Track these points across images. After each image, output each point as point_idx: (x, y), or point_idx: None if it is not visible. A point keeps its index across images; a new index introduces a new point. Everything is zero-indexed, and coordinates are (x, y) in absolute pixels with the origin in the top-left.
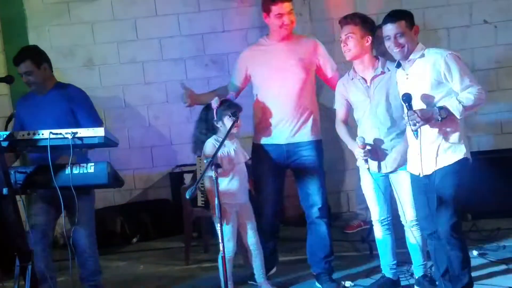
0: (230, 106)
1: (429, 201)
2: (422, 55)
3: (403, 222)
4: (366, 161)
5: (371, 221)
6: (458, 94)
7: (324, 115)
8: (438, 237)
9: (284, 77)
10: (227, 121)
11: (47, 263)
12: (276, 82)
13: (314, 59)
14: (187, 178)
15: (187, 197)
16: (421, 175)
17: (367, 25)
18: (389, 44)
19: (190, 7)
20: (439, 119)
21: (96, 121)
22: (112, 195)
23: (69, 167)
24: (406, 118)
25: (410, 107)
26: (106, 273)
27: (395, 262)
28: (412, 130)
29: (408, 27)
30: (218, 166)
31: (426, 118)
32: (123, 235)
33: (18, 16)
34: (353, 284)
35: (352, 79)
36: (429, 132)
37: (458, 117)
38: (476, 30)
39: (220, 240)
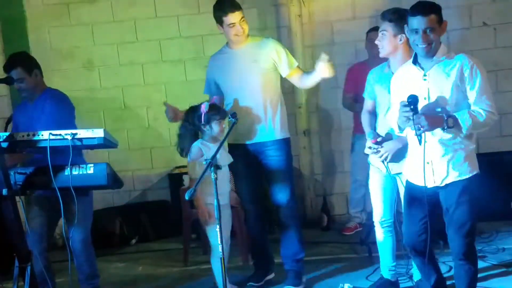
0: (219, 111)
1: (429, 215)
2: (448, 57)
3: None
4: (380, 156)
5: (368, 223)
6: (470, 107)
7: (321, 117)
8: (420, 254)
9: (245, 81)
10: (215, 125)
11: (46, 265)
12: (237, 86)
13: (271, 59)
14: (186, 179)
15: (187, 198)
16: (428, 186)
17: (401, 23)
18: (414, 38)
19: (190, 8)
20: (445, 127)
21: (50, 127)
22: (111, 196)
23: (68, 168)
24: (411, 121)
25: (415, 110)
26: (104, 275)
27: (394, 264)
28: (416, 135)
29: (438, 23)
30: (217, 167)
31: (433, 123)
32: (122, 236)
33: (18, 17)
34: (351, 286)
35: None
36: (437, 141)
37: (463, 132)
38: (476, 33)
39: (219, 242)
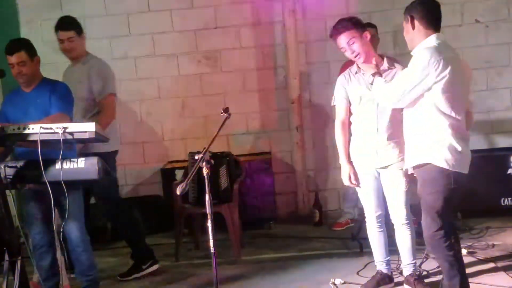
0: None
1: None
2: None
3: (393, 221)
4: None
5: (359, 219)
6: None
7: (314, 112)
8: None
9: None
10: None
11: (53, 259)
12: None
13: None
14: (179, 174)
15: (178, 193)
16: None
17: (358, 24)
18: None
19: (183, 3)
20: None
21: (64, 110)
22: None
23: (59, 162)
24: None
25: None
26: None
27: (388, 258)
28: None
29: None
30: (208, 162)
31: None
32: (114, 231)
33: (10, 10)
34: (343, 281)
35: (356, 73)
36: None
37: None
38: (468, 30)
39: (210, 237)
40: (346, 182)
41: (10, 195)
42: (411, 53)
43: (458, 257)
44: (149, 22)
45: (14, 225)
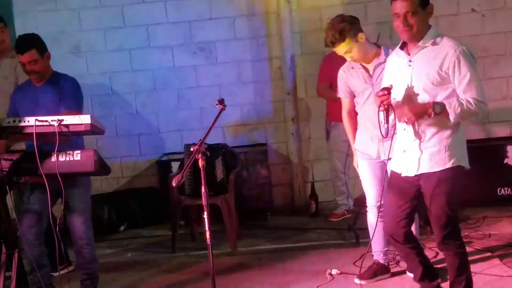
0: None
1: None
2: (434, 43)
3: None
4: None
5: (355, 210)
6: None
7: (310, 103)
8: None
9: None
10: None
11: (41, 251)
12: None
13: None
14: (175, 166)
15: (174, 185)
16: (402, 175)
17: (354, 25)
18: (398, 24)
19: None
20: (432, 114)
21: (73, 107)
22: (99, 183)
23: (55, 155)
24: (381, 109)
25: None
26: None
27: (386, 248)
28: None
29: (421, 6)
30: (204, 154)
31: (419, 112)
32: (110, 223)
33: (4, 2)
34: (339, 272)
35: (352, 67)
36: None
37: (451, 120)
38: (464, 19)
39: (207, 228)
40: (357, 168)
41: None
42: (425, 43)
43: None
44: (144, 13)
45: (11, 217)
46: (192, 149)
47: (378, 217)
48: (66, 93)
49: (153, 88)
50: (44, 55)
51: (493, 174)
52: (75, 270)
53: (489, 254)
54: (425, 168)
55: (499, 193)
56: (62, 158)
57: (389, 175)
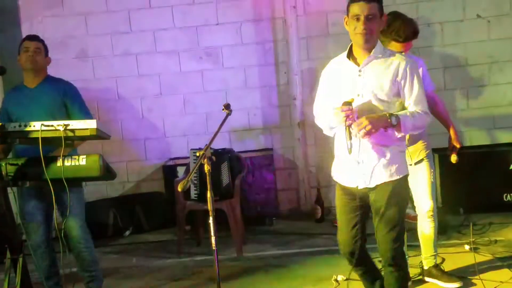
0: None
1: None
2: (385, 55)
3: (418, 212)
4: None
5: None
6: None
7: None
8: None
9: None
10: None
11: (53, 258)
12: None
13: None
14: (181, 171)
15: (180, 190)
16: (359, 188)
17: None
18: (355, 26)
19: None
20: (390, 126)
21: (87, 116)
22: (105, 187)
23: (60, 160)
24: (347, 124)
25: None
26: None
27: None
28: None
29: (379, 13)
30: (210, 159)
31: (377, 124)
32: (115, 227)
33: (11, 7)
34: (345, 278)
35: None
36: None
37: (404, 132)
38: (470, 25)
39: (212, 233)
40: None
41: (11, 192)
42: (376, 53)
43: None
44: (150, 18)
45: (16, 222)
46: (198, 154)
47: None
48: (74, 98)
49: (159, 93)
50: (47, 55)
51: (498, 180)
52: (78, 273)
53: (495, 260)
54: (379, 180)
55: (505, 199)
56: (67, 163)
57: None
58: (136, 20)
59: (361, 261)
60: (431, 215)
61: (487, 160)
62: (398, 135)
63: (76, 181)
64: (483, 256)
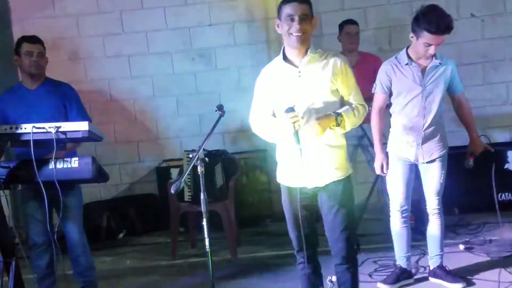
0: None
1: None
2: (320, 54)
3: (428, 211)
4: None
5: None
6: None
7: None
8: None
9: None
10: None
11: (51, 259)
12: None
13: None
14: (174, 172)
15: (173, 191)
16: (308, 188)
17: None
18: (290, 27)
19: (177, 0)
20: (336, 125)
21: (85, 119)
22: (98, 190)
23: (52, 162)
24: (295, 124)
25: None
26: None
27: (409, 253)
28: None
29: (311, 14)
30: (203, 160)
31: (325, 126)
32: (109, 230)
33: (2, 8)
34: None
35: (407, 64)
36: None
37: (348, 129)
38: (463, 24)
39: (206, 235)
40: (378, 171)
41: (3, 195)
42: (313, 53)
43: None
44: (143, 19)
45: (8, 225)
46: (191, 156)
47: (401, 222)
48: (73, 102)
49: (152, 95)
50: (45, 56)
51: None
52: (73, 278)
53: (490, 260)
54: (329, 178)
55: (499, 199)
56: (59, 165)
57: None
58: (128, 21)
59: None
60: (436, 213)
61: (481, 160)
62: (341, 132)
63: (68, 184)
64: (478, 256)
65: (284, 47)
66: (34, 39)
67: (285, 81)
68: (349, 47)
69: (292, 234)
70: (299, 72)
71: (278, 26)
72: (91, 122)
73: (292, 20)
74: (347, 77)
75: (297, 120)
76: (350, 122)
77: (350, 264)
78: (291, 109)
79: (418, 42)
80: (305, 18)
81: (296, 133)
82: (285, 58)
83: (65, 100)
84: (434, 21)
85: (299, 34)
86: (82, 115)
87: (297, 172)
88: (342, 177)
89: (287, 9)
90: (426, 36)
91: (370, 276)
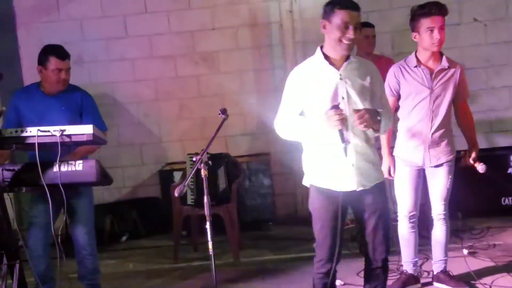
0: None
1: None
2: (359, 59)
3: (434, 216)
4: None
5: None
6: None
7: None
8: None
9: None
10: None
11: (48, 264)
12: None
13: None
14: (177, 176)
15: (176, 195)
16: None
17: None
18: (343, 33)
19: (180, 4)
20: (379, 123)
21: (101, 128)
22: (101, 193)
23: (57, 165)
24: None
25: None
26: None
27: (416, 259)
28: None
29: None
30: (206, 163)
31: (372, 119)
32: (112, 233)
33: (7, 13)
34: (343, 283)
35: (415, 66)
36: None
37: (380, 132)
38: (466, 29)
39: (209, 239)
40: (386, 174)
41: (8, 198)
42: (354, 57)
43: None
44: (146, 23)
45: (12, 228)
46: (194, 159)
47: (409, 227)
48: (89, 108)
49: (156, 98)
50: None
51: (496, 184)
52: (78, 280)
53: (494, 265)
54: (374, 180)
55: (503, 203)
56: (64, 168)
57: (315, 194)
58: (132, 25)
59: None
60: (442, 219)
61: (485, 164)
62: (375, 135)
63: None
64: (482, 261)
65: (321, 47)
66: (64, 55)
67: (326, 81)
68: (367, 49)
69: (323, 244)
70: (340, 75)
71: (324, 28)
72: (106, 131)
73: (347, 28)
74: (379, 81)
75: (343, 117)
76: (385, 123)
77: (386, 267)
78: (336, 107)
79: (421, 34)
80: (358, 27)
81: (341, 131)
82: (326, 58)
83: (82, 107)
84: (426, 5)
85: (350, 42)
86: (98, 124)
87: (341, 174)
88: (382, 179)
89: (343, 16)
90: (423, 22)
91: None
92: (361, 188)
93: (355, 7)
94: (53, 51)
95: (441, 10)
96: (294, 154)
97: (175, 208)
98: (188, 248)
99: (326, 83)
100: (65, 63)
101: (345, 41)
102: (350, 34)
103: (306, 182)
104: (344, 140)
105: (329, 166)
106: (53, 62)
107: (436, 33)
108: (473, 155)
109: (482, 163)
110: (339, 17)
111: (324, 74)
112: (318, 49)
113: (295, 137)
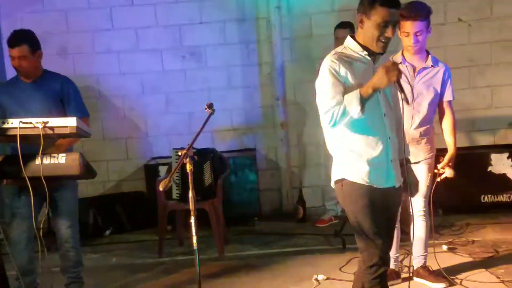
0: None
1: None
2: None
3: (414, 212)
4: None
5: (343, 216)
6: None
7: (298, 109)
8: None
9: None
10: None
11: (30, 256)
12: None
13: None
14: (162, 170)
15: (161, 189)
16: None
17: (428, 19)
18: (382, 32)
19: None
20: None
21: (83, 115)
22: (85, 186)
23: (39, 157)
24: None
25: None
26: None
27: (398, 254)
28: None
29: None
30: (192, 158)
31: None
32: (95, 227)
33: None
34: (325, 277)
35: (400, 63)
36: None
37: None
38: (450, 28)
39: (193, 233)
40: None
41: None
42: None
43: None
44: (133, 16)
45: None
46: (180, 154)
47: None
48: (71, 94)
49: (142, 92)
50: (35, 53)
51: (477, 181)
52: (60, 274)
53: (472, 260)
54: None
55: (482, 201)
56: (46, 161)
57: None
58: (118, 17)
59: None
60: (422, 215)
61: (465, 162)
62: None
63: (55, 180)
64: (461, 256)
65: (355, 39)
66: (13, 42)
67: (364, 70)
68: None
69: (374, 242)
70: (376, 67)
71: (361, 22)
72: (89, 117)
73: (386, 27)
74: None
75: (400, 70)
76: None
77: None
78: (395, 63)
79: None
80: (397, 25)
81: (399, 83)
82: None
83: (62, 94)
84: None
85: (388, 41)
86: (80, 110)
87: (384, 170)
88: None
89: (384, 14)
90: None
91: None
92: (399, 185)
93: (397, 4)
94: (7, 40)
95: (419, 16)
96: (279, 150)
97: (160, 202)
98: (173, 243)
99: (364, 71)
100: (14, 51)
101: (383, 40)
102: (389, 33)
103: (342, 176)
104: (402, 90)
105: (372, 162)
106: (9, 50)
107: (409, 40)
108: (445, 160)
109: (451, 169)
110: (379, 15)
111: (363, 62)
112: (351, 39)
113: (356, 111)
